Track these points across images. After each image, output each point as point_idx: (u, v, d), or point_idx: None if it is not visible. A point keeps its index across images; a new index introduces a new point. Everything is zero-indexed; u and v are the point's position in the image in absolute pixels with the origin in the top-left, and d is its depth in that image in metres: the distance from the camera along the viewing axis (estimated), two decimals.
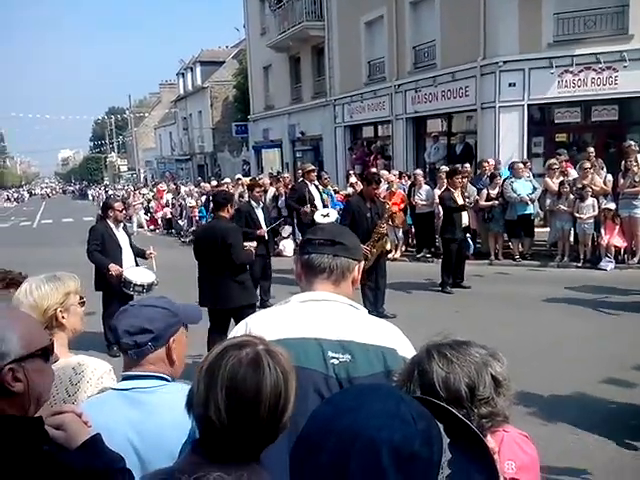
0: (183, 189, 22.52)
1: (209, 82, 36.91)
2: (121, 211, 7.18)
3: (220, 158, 35.69)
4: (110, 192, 36.07)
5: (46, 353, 1.46)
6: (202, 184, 21.59)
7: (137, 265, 7.14)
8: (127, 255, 7.07)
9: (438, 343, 1.39)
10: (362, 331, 1.81)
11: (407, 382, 1.33)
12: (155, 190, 26.90)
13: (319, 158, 22.84)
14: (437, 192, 11.42)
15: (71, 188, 79.68)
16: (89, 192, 56.65)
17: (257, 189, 9.07)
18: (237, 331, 1.88)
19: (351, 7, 19.37)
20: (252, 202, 8.95)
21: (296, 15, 22.18)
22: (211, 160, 37.77)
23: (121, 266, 6.83)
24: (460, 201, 9.57)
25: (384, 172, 14.14)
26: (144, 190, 29.01)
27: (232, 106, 35.34)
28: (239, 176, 19.14)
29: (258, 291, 8.64)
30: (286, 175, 16.98)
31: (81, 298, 2.35)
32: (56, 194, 79.75)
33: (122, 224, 7.28)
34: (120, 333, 1.89)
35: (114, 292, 6.71)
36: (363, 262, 2.03)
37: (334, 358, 1.75)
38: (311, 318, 1.83)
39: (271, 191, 15.48)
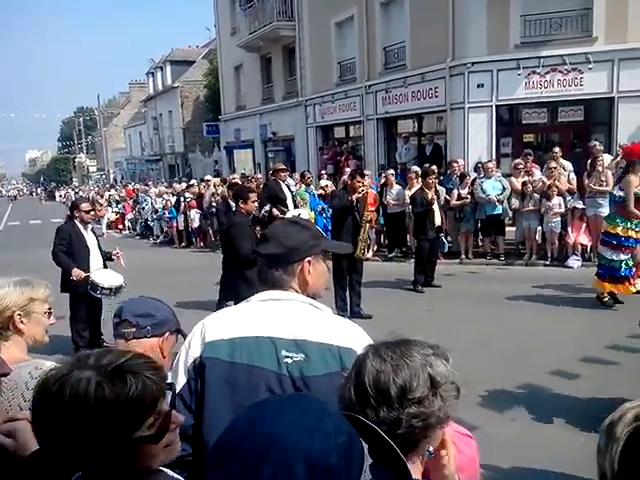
0: (153, 190, 22.35)
1: (179, 82, 36.60)
2: (88, 212, 7.00)
3: (191, 158, 35.40)
4: (81, 193, 35.45)
5: None
6: (174, 184, 21.46)
7: (106, 267, 6.99)
8: (95, 256, 6.92)
9: (380, 343, 1.37)
10: (319, 330, 1.80)
11: (347, 381, 1.32)
12: (124, 191, 26.64)
13: (291, 158, 22.81)
14: (408, 192, 11.51)
15: (39, 189, 78.02)
16: (57, 193, 55.67)
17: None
18: (194, 332, 1.88)
19: (322, 7, 19.38)
20: (230, 202, 8.97)
21: (267, 15, 22.13)
22: (182, 160, 37.45)
23: (88, 267, 6.69)
24: (434, 201, 9.66)
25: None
26: (112, 191, 28.60)
27: (203, 106, 35.10)
28: (208, 177, 19.05)
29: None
30: (259, 176, 16.92)
31: (49, 309, 2.25)
32: (23, 195, 77.65)
33: (90, 225, 7.14)
34: (125, 313, 2.11)
35: (81, 295, 6.60)
36: (312, 256, 1.91)
37: (287, 357, 1.75)
38: (266, 317, 1.82)
39: None
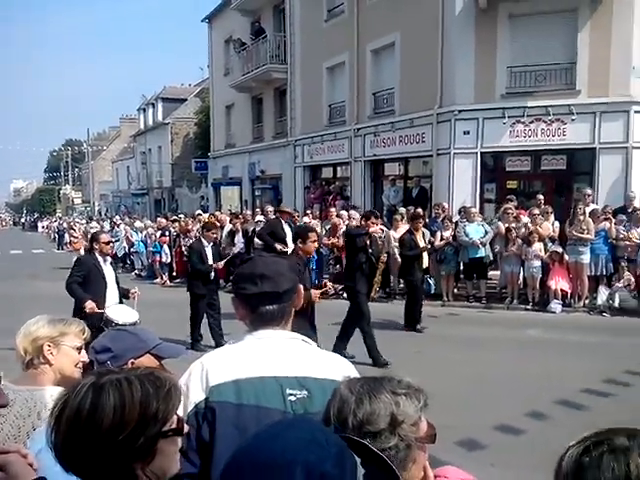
0: (138, 224, 22.31)
1: (170, 118, 36.98)
2: (107, 244, 6.81)
3: (178, 193, 35.50)
4: (64, 224, 35.07)
5: None
6: (159, 219, 21.46)
7: (121, 302, 6.76)
8: (112, 291, 6.69)
9: (357, 377, 1.47)
10: (317, 366, 1.84)
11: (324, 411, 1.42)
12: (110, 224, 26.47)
13: (278, 197, 22.96)
14: (393, 233, 11.61)
15: (22, 220, 77.07)
16: (39, 224, 55.26)
17: (213, 230, 9.39)
18: (191, 371, 1.85)
19: (314, 52, 19.86)
20: (203, 240, 9.19)
21: (260, 58, 22.61)
22: (169, 195, 37.52)
23: (104, 302, 6.46)
24: (421, 244, 9.76)
25: (343, 212, 14.34)
26: (93, 223, 28.30)
27: (192, 142, 35.43)
28: (199, 212, 19.21)
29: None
30: (248, 212, 17.17)
31: (81, 345, 2.37)
32: (6, 225, 76.27)
33: (110, 259, 6.97)
34: (89, 350, 2.17)
35: (92, 328, 6.31)
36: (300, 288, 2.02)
37: (291, 395, 1.76)
38: (267, 356, 1.83)
39: (227, 227, 15.49)
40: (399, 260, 10.54)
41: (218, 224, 14.07)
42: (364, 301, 7.72)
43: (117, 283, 6.88)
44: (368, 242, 7.91)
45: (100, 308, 6.33)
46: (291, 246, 10.92)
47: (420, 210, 13.12)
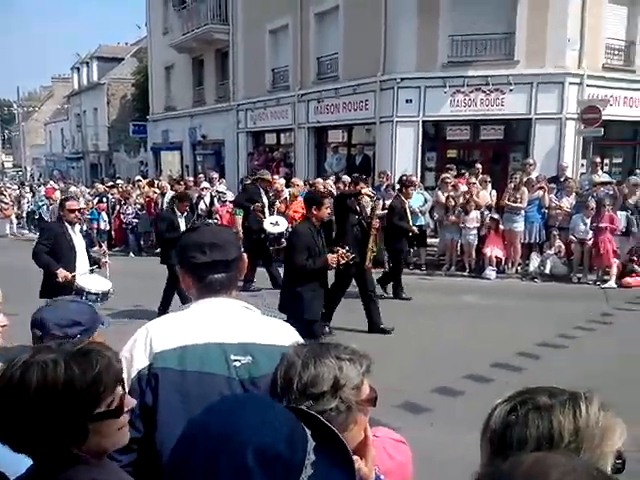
0: (73, 189, 21.52)
1: (106, 79, 35.54)
2: (72, 211, 6.40)
3: (116, 158, 34.40)
4: None
5: None
6: (96, 185, 20.77)
7: (92, 272, 6.46)
8: (82, 260, 6.36)
9: (305, 344, 1.55)
10: (261, 332, 1.87)
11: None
12: (43, 190, 25.43)
13: (221, 163, 22.63)
14: None
15: None
16: None
17: (185, 203, 8.83)
18: (136, 338, 1.86)
19: (257, 14, 19.40)
20: (177, 211, 8.73)
21: (201, 17, 21.91)
22: (106, 160, 36.31)
23: (73, 271, 6.15)
24: (409, 215, 9.69)
25: (282, 180, 14.22)
26: (26, 189, 27.08)
27: (130, 104, 34.25)
28: (139, 177, 18.71)
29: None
30: (190, 179, 16.83)
31: None
32: None
33: (79, 227, 6.67)
34: (50, 326, 2.05)
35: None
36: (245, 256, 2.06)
37: (236, 360, 1.80)
38: (212, 323, 1.86)
39: (169, 194, 15.17)
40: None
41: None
42: (352, 272, 7.47)
43: (87, 252, 6.59)
44: (358, 208, 7.73)
45: (72, 274, 6.07)
46: (267, 215, 10.76)
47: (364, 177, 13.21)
